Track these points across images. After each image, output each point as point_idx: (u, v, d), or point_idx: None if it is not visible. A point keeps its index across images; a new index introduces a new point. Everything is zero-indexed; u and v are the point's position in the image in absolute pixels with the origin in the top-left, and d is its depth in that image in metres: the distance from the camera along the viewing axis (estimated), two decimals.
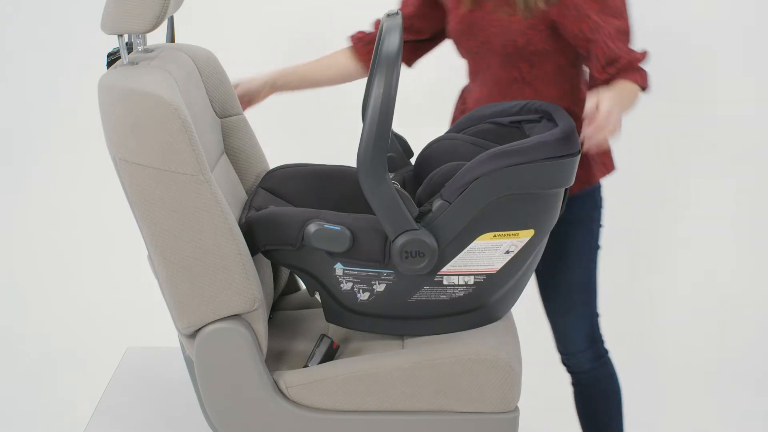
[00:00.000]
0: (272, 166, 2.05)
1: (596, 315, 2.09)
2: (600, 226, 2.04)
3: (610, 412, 2.12)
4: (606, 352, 2.12)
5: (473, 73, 2.03)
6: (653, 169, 3.32)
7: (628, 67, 1.81)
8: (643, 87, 1.82)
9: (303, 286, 2.08)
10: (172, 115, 1.49)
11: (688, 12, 3.20)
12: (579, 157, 1.61)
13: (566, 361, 2.13)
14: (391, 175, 1.90)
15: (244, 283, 1.56)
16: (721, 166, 3.32)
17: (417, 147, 1.97)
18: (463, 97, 2.12)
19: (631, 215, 3.34)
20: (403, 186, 1.90)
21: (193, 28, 2.64)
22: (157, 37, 1.95)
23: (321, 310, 1.92)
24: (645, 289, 3.32)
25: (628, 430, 2.31)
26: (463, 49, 2.00)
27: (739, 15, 3.21)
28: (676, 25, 3.23)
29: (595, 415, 2.12)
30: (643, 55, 1.84)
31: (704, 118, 3.29)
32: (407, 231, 1.56)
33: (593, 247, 2.02)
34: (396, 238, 1.56)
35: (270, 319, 1.91)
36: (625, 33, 1.83)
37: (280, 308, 1.99)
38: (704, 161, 3.32)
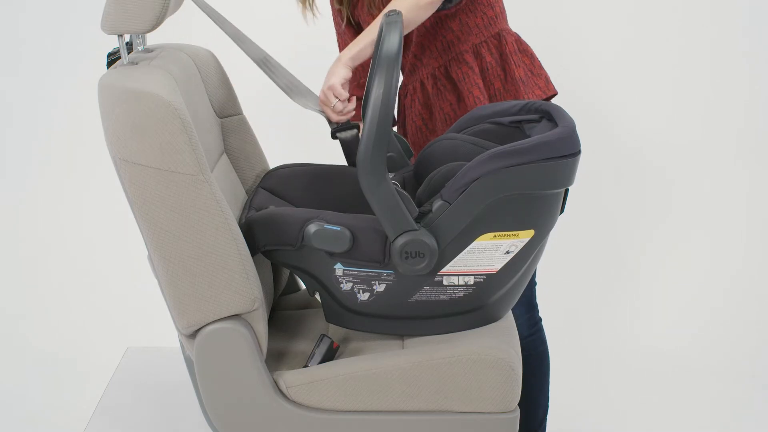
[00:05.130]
0: (272, 166, 2.05)
1: (534, 284, 2.19)
2: None
3: (543, 372, 2.26)
4: (540, 320, 2.23)
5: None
6: (651, 166, 3.32)
7: None
8: None
9: (303, 286, 2.08)
10: (172, 115, 1.49)
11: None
12: (580, 157, 1.61)
13: None
14: (391, 175, 1.90)
15: (243, 283, 1.56)
16: (724, 163, 3.33)
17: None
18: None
19: (628, 213, 3.35)
20: (403, 186, 1.90)
21: (193, 28, 2.64)
22: (157, 37, 1.95)
23: (321, 310, 1.92)
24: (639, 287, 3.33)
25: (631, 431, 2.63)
26: None
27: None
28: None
29: (531, 374, 2.23)
30: None
31: (704, 118, 3.29)
32: (407, 231, 1.56)
33: None
34: (396, 238, 1.56)
35: (270, 319, 1.91)
36: None
37: (280, 308, 1.99)
38: (708, 157, 3.32)
